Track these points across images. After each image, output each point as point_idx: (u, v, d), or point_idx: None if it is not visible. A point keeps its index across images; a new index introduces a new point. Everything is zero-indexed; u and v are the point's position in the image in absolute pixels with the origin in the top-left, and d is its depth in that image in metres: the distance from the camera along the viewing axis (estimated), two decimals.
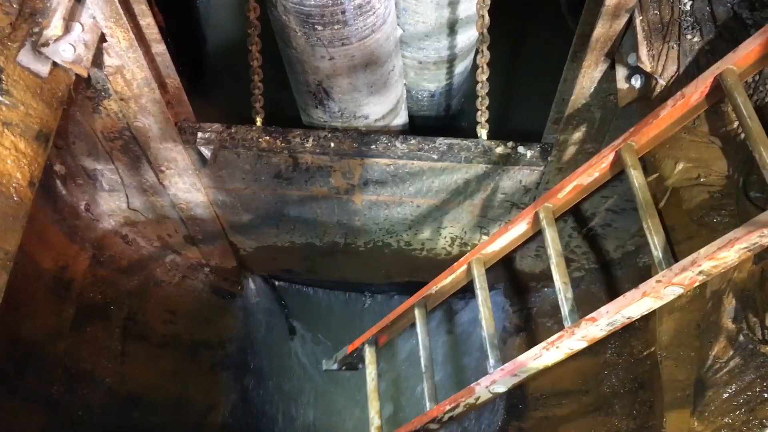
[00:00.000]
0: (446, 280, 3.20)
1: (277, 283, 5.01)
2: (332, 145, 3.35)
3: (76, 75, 2.51)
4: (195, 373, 4.49)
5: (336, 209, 3.85)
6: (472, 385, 2.80)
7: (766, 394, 1.92)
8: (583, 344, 2.42)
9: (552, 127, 3.24)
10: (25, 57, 2.30)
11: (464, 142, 3.32)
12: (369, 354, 3.59)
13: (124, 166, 3.55)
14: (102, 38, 2.62)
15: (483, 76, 3.12)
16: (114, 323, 4.07)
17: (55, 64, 2.38)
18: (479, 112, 3.24)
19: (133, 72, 2.86)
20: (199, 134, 3.35)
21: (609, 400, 3.86)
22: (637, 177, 2.38)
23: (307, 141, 3.36)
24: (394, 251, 4.24)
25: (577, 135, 3.12)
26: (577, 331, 2.38)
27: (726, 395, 1.98)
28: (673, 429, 2.22)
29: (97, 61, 2.73)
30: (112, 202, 3.91)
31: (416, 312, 3.30)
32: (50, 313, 3.66)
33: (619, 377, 3.85)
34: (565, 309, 2.52)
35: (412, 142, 3.33)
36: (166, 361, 4.35)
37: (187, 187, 3.67)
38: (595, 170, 2.62)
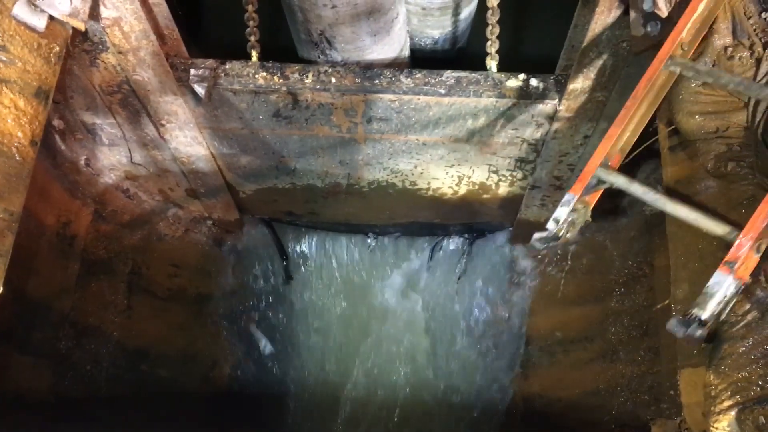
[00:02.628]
0: None
1: (277, 225, 4.92)
2: (333, 80, 3.21)
3: (73, 29, 2.43)
4: (201, 326, 4.51)
5: (338, 149, 3.73)
6: None
7: None
8: None
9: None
10: (21, 11, 2.22)
11: (473, 75, 3.18)
12: (608, 177, 2.33)
13: (123, 120, 3.47)
14: None
15: (493, 1, 2.99)
16: (119, 278, 4.07)
17: (51, 17, 2.31)
18: (489, 42, 3.10)
19: (131, 24, 2.78)
20: (192, 71, 3.19)
21: (614, 347, 3.90)
22: None
23: (307, 77, 3.22)
24: (399, 191, 4.14)
25: (587, 83, 3.05)
26: None
27: (743, 349, 1.97)
28: (687, 383, 2.23)
29: (94, 13, 2.64)
30: (113, 157, 3.84)
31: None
32: (55, 270, 3.65)
33: (624, 325, 3.88)
34: None
35: (418, 76, 3.19)
36: (172, 315, 4.37)
37: (188, 141, 3.60)
38: None
